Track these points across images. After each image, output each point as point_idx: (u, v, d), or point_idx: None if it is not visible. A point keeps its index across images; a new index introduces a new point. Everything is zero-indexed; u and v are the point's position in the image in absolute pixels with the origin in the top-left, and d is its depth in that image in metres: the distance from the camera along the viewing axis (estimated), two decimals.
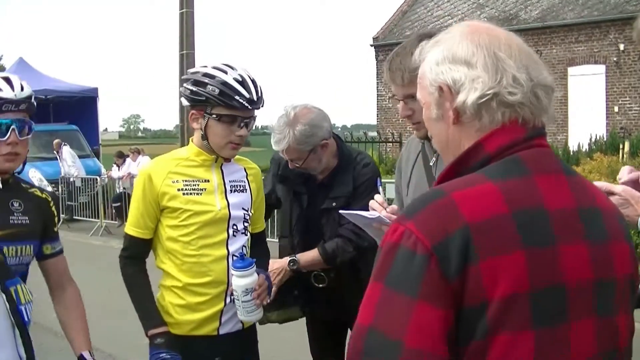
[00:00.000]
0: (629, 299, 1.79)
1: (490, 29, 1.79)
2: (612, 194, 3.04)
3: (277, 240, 4.55)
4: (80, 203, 19.49)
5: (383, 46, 30.53)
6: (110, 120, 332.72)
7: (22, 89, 3.00)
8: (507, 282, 1.55)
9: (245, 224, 3.58)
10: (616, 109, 24.11)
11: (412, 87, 2.87)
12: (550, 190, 1.69)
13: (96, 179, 19.53)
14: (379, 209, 3.03)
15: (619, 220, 1.83)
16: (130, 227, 3.51)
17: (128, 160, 19.50)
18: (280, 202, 4.43)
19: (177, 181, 3.44)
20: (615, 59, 24.12)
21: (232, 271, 3.43)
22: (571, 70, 25.10)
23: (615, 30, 24.36)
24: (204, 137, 3.42)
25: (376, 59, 31.09)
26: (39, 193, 3.24)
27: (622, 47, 23.99)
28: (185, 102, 3.45)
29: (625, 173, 2.89)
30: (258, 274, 3.48)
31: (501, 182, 1.65)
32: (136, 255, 3.53)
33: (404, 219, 1.64)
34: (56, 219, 3.31)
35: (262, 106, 3.45)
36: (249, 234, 3.61)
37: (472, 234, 1.56)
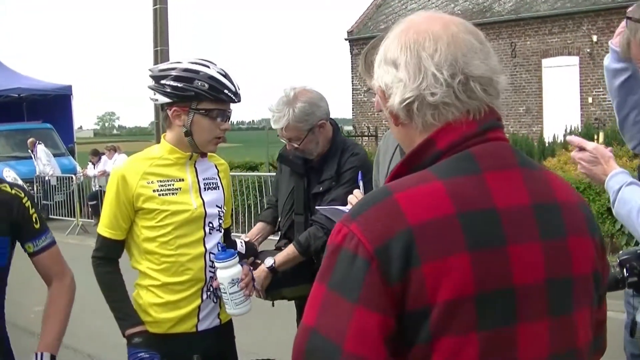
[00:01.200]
0: (592, 293, 1.73)
1: (422, 23, 1.71)
2: (584, 149, 3.06)
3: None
4: (55, 202, 19.40)
5: (357, 40, 30.57)
6: (84, 118, 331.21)
7: None
8: (450, 286, 1.51)
9: (220, 221, 3.57)
10: (590, 100, 24.26)
11: None
12: (502, 188, 1.62)
13: (72, 178, 19.46)
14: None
15: (583, 214, 1.76)
16: (103, 228, 3.45)
17: (104, 158, 19.35)
18: None
19: (152, 182, 3.40)
20: (588, 50, 24.27)
21: (216, 264, 3.41)
22: (545, 61, 25.23)
23: (588, 22, 24.51)
24: (188, 133, 3.37)
25: (351, 52, 31.13)
26: (7, 189, 3.13)
27: (595, 38, 24.14)
28: (164, 99, 3.36)
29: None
30: (241, 265, 3.48)
31: (448, 181, 1.59)
32: (109, 256, 3.48)
33: (348, 220, 1.60)
34: (33, 214, 3.17)
35: (240, 101, 3.45)
36: (222, 230, 3.61)
37: (415, 237, 1.52)
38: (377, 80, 1.75)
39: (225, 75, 3.36)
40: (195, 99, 3.31)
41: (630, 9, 2.79)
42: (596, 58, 23.82)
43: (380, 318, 1.50)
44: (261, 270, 4.15)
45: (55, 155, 21.84)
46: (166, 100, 3.35)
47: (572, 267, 1.67)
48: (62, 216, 19.01)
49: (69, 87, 27.08)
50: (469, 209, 1.57)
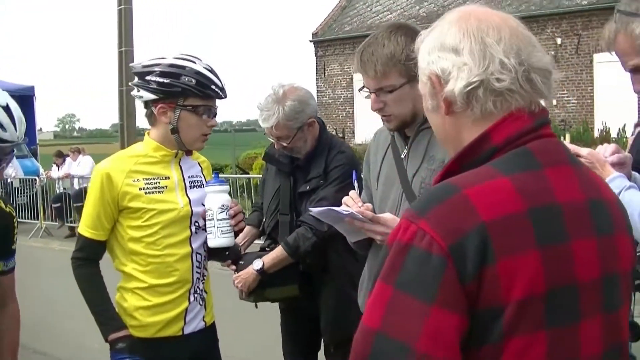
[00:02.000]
0: (630, 290, 1.78)
1: (482, 12, 1.73)
2: (579, 156, 3.02)
3: None
4: (18, 204, 19.03)
5: (322, 42, 30.56)
6: (44, 120, 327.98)
7: None
8: (523, 284, 1.49)
9: None
10: (555, 102, 24.44)
11: (385, 80, 2.91)
12: (561, 184, 1.63)
13: (35, 180, 19.14)
14: (352, 205, 2.99)
15: (622, 211, 1.79)
16: (85, 228, 3.35)
17: (68, 160, 19.06)
18: None
19: (137, 180, 3.32)
20: (552, 52, 24.41)
21: (207, 189, 3.37)
22: None
23: (552, 25, 24.71)
24: (175, 130, 3.30)
25: (315, 54, 31.08)
26: (2, 204, 3.15)
27: (559, 41, 24.35)
28: (149, 96, 3.28)
29: (609, 152, 2.83)
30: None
31: (514, 177, 1.58)
32: (91, 257, 3.38)
33: (415, 217, 1.56)
34: (16, 234, 3.20)
35: (227, 97, 3.38)
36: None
37: (490, 233, 1.49)
38: (430, 66, 1.73)
39: (211, 71, 3.30)
40: (182, 95, 3.24)
41: (620, 3, 2.74)
42: (560, 60, 24.01)
43: (457, 318, 1.48)
44: (249, 273, 4.11)
45: (17, 157, 21.40)
46: (151, 96, 3.28)
47: (619, 264, 1.69)
48: (25, 219, 18.62)
49: (32, 88, 26.66)
50: (536, 204, 1.56)
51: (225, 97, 3.36)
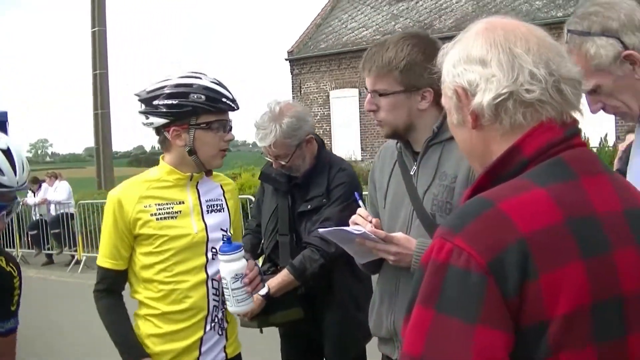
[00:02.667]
0: None
1: (508, 24, 1.70)
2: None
3: None
4: None
5: (298, 60, 30.48)
6: None
7: None
8: (568, 297, 1.45)
9: None
10: None
11: (379, 82, 2.87)
12: (597, 194, 1.59)
13: None
14: (363, 222, 2.87)
15: None
16: (104, 259, 3.27)
17: (44, 185, 18.70)
18: None
19: (149, 205, 3.21)
20: None
21: (219, 257, 3.21)
22: None
23: None
24: (192, 152, 3.18)
25: (291, 73, 30.97)
26: (3, 263, 3.04)
27: None
28: (160, 121, 3.15)
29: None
30: (246, 260, 3.27)
31: (550, 188, 1.54)
32: (112, 288, 3.30)
33: (449, 234, 1.50)
34: (16, 295, 3.07)
35: (239, 108, 3.27)
36: None
37: (530, 247, 1.44)
38: (456, 79, 1.69)
39: (219, 84, 3.18)
40: (194, 113, 3.12)
41: (569, 21, 2.58)
42: None
43: (503, 335, 1.42)
44: (255, 299, 3.85)
45: None
46: (162, 121, 3.18)
47: None
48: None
49: (5, 114, 26.31)
50: (575, 215, 1.52)
51: (238, 108, 3.23)
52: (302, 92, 29.98)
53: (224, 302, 3.32)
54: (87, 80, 18.22)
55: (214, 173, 3.42)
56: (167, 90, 3.12)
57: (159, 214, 3.19)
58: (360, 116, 27.70)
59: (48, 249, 17.66)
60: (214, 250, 3.27)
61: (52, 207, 17.58)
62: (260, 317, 3.99)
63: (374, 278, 3.20)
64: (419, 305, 1.50)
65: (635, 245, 1.58)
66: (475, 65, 1.65)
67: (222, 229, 3.31)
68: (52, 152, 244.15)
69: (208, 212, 3.30)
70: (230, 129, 3.24)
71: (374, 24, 28.92)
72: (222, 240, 3.24)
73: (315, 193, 4.02)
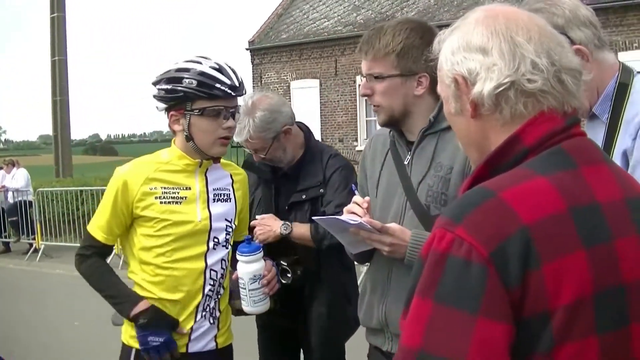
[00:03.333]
0: None
1: (510, 12, 1.67)
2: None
3: None
4: None
5: (259, 50, 30.37)
6: None
7: None
8: (571, 287, 1.43)
9: (228, 237, 3.31)
10: None
11: (375, 65, 2.86)
12: (598, 182, 1.57)
13: None
14: (361, 212, 2.82)
15: None
16: (97, 230, 3.24)
17: (1, 172, 18.38)
18: None
19: (155, 188, 3.16)
20: None
21: (238, 257, 3.23)
22: None
23: None
24: (189, 137, 3.14)
25: (252, 62, 30.86)
26: None
27: None
28: (161, 105, 3.16)
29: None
30: (265, 260, 3.27)
31: (551, 176, 1.52)
32: (96, 255, 3.28)
33: (450, 224, 1.48)
34: None
35: (245, 92, 3.23)
36: (230, 246, 3.33)
37: (532, 236, 1.42)
38: (455, 67, 1.67)
39: (219, 69, 3.10)
40: (187, 99, 3.08)
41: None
42: None
43: (505, 327, 1.40)
44: (275, 228, 3.90)
45: None
46: (162, 105, 3.16)
47: None
48: None
49: None
50: (577, 204, 1.51)
51: (239, 94, 3.17)
52: (262, 82, 29.88)
53: (218, 292, 3.29)
54: (43, 66, 17.94)
55: (226, 162, 3.38)
56: (168, 75, 3.11)
57: (164, 197, 3.16)
58: (320, 107, 27.72)
59: (5, 237, 17.42)
60: (216, 239, 3.24)
61: (10, 194, 17.29)
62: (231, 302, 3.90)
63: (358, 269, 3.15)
64: (418, 297, 1.48)
65: (636, 235, 1.57)
66: (475, 53, 1.63)
67: (226, 219, 3.28)
68: (5, 139, 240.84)
69: (214, 201, 3.27)
70: (232, 116, 3.17)
71: (335, 14, 28.89)
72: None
73: (310, 183, 3.95)
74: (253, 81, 30.61)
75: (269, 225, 3.90)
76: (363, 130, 26.97)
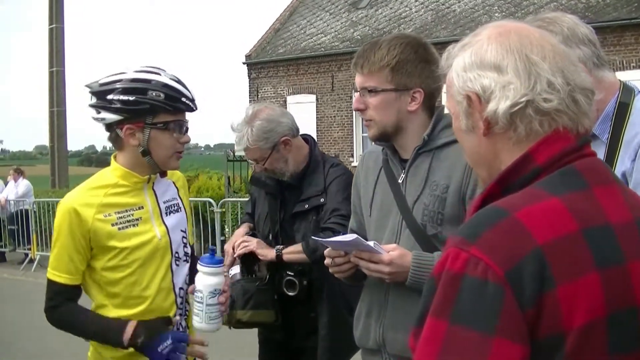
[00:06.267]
0: None
1: (522, 28, 1.66)
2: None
3: None
4: None
5: (255, 64, 30.36)
6: None
7: None
8: (585, 309, 1.41)
9: (186, 249, 3.21)
10: None
11: (369, 79, 2.85)
12: (609, 203, 1.56)
13: None
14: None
15: None
16: (57, 273, 2.98)
17: (10, 183, 18.24)
18: None
19: (109, 215, 2.98)
20: None
21: (199, 267, 3.02)
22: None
23: None
24: (146, 152, 2.97)
25: (249, 77, 30.85)
26: None
27: None
28: (112, 117, 2.93)
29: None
30: (225, 277, 3.14)
31: (563, 197, 1.51)
32: (66, 301, 3.02)
33: (464, 244, 1.45)
34: None
35: (197, 108, 3.07)
36: (189, 260, 3.24)
37: (547, 257, 1.41)
38: (468, 84, 1.64)
39: (179, 82, 2.98)
40: (151, 112, 2.91)
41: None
42: None
43: (521, 348, 1.38)
44: (267, 249, 3.95)
45: None
46: (116, 117, 2.93)
47: None
48: None
49: None
50: (589, 225, 1.49)
51: (197, 109, 3.04)
52: (259, 96, 29.87)
53: (186, 311, 3.22)
54: (41, 77, 17.95)
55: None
56: (122, 85, 2.90)
57: (120, 222, 2.99)
58: (317, 122, 27.72)
59: (1, 247, 17.41)
60: (177, 255, 3.14)
61: (12, 203, 17.29)
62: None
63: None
64: (432, 317, 1.44)
65: None
66: (489, 71, 1.60)
67: (181, 230, 3.18)
68: (1, 149, 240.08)
69: (167, 215, 3.15)
70: (187, 130, 3.06)
71: (332, 30, 28.95)
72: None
73: (311, 193, 3.99)
74: (250, 95, 30.58)
75: (255, 244, 3.94)
76: (359, 146, 26.98)
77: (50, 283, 3.01)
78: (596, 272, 1.44)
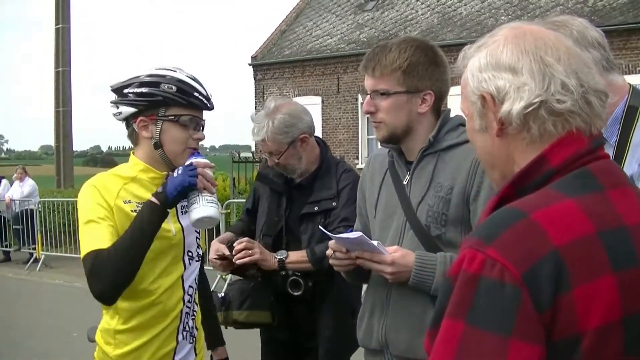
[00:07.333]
0: None
1: (537, 31, 1.66)
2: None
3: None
4: None
5: (261, 65, 30.38)
6: None
7: None
8: (601, 311, 1.41)
9: (199, 250, 3.20)
10: None
11: (380, 82, 2.85)
12: (624, 206, 1.55)
13: None
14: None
15: None
16: (98, 242, 2.79)
17: (3, 181, 18.35)
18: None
19: (129, 201, 2.94)
20: None
21: (192, 159, 2.93)
22: (453, 89, 25.50)
23: None
24: (158, 145, 2.97)
25: (255, 78, 30.87)
26: None
27: None
28: (128, 110, 2.97)
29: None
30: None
31: (578, 199, 1.51)
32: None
33: (481, 245, 1.45)
34: None
35: (214, 108, 3.07)
36: (200, 259, 3.24)
37: (563, 259, 1.41)
38: (482, 84, 1.65)
39: (195, 80, 3.01)
40: (163, 104, 2.94)
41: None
42: None
43: (538, 350, 1.39)
44: (268, 255, 3.90)
45: None
46: (130, 110, 2.97)
47: None
48: None
49: None
50: (605, 227, 1.49)
51: (212, 108, 3.04)
52: (265, 97, 29.80)
53: (194, 310, 3.19)
54: (47, 77, 17.94)
55: None
56: (140, 80, 2.96)
57: (138, 211, 2.90)
58: (322, 124, 27.71)
59: (6, 246, 17.45)
60: (190, 253, 3.13)
61: (17, 203, 17.34)
62: (222, 312, 3.93)
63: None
64: (448, 318, 1.45)
65: None
66: (505, 72, 1.61)
67: (195, 230, 3.16)
68: (7, 149, 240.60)
69: (182, 213, 3.10)
70: (202, 128, 3.05)
71: (338, 32, 28.96)
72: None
73: (323, 195, 3.98)
74: (255, 97, 30.59)
75: (257, 251, 3.85)
76: (364, 148, 27.00)
77: (88, 256, 2.80)
78: (612, 275, 1.45)
